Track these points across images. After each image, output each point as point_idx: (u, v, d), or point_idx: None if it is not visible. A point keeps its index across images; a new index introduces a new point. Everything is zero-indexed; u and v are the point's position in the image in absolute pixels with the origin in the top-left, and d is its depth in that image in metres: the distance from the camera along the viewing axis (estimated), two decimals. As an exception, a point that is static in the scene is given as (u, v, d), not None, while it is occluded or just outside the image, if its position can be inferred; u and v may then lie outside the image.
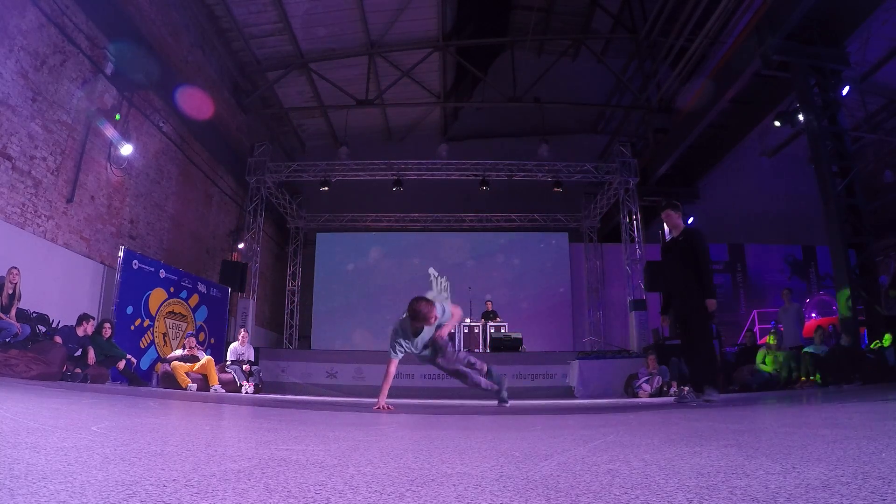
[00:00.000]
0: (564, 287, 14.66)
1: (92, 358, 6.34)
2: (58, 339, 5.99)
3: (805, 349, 7.61)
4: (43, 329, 6.17)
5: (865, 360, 6.72)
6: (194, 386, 7.04)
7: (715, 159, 12.61)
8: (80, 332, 6.41)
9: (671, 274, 4.66)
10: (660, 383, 7.84)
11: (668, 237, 5.09)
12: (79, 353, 6.32)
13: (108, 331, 6.85)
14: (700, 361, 4.50)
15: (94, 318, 6.54)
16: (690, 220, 13.87)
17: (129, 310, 8.10)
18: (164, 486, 0.87)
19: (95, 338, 6.67)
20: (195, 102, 9.83)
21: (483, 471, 1.07)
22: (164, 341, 8.81)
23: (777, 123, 8.99)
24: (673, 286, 4.65)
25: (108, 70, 7.87)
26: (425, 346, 4.28)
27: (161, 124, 9.42)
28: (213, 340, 9.95)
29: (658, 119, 12.59)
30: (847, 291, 7.11)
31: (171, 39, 9.56)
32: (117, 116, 7.95)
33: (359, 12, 11.01)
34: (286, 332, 14.59)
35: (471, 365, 4.51)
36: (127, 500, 0.77)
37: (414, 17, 11.44)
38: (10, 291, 5.75)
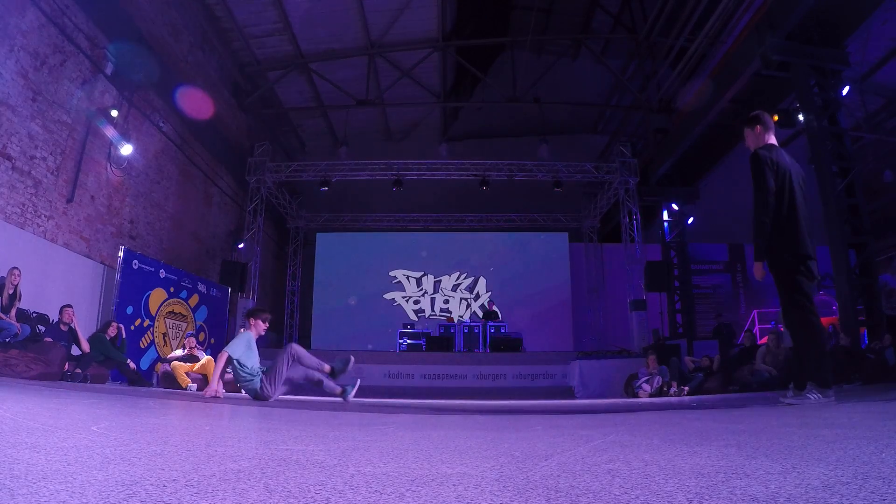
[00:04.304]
0: (564, 287, 14.66)
1: (85, 346, 6.34)
2: (47, 339, 5.99)
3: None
4: (43, 329, 6.17)
5: (865, 360, 6.72)
6: (194, 386, 7.03)
7: (715, 159, 12.61)
8: (62, 326, 6.33)
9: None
10: (660, 383, 7.84)
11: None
12: (77, 352, 6.32)
13: (113, 330, 6.85)
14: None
15: (71, 307, 6.44)
16: (690, 220, 13.90)
17: (129, 310, 8.10)
18: (164, 486, 0.87)
19: (99, 336, 6.66)
20: (195, 102, 9.83)
21: (483, 471, 1.07)
22: (164, 341, 8.81)
23: (775, 119, 8.95)
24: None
25: (108, 70, 7.87)
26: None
27: (161, 124, 9.42)
28: (213, 340, 9.95)
29: (658, 119, 12.59)
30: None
31: (171, 39, 9.55)
32: (114, 112, 7.91)
33: (359, 12, 11.01)
34: (286, 332, 14.59)
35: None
36: (127, 500, 0.77)
37: (414, 17, 11.44)
38: (11, 292, 5.76)
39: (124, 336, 7.13)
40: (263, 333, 4.85)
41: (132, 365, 7.02)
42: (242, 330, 4.91)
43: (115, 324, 6.97)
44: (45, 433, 1.46)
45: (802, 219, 3.11)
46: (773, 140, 3.38)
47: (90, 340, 6.53)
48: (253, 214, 12.44)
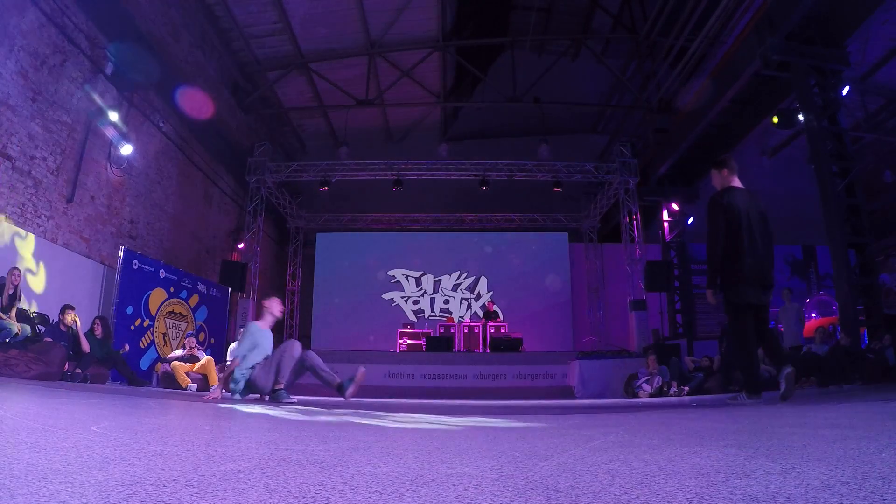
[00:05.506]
0: (564, 287, 14.65)
1: (86, 345, 6.32)
2: (47, 339, 5.98)
3: (805, 349, 7.61)
4: (43, 329, 6.17)
5: (865, 360, 6.72)
6: (194, 386, 7.03)
7: (715, 159, 12.61)
8: (62, 327, 6.31)
9: None
10: (660, 383, 7.84)
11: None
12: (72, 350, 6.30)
13: (98, 329, 6.81)
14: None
15: (72, 308, 6.41)
16: (690, 220, 13.90)
17: (129, 310, 8.10)
18: (164, 486, 0.87)
19: (88, 336, 6.64)
20: (195, 102, 9.83)
21: (483, 471, 1.07)
22: (164, 341, 8.81)
23: (775, 120, 8.94)
24: None
25: (108, 70, 7.87)
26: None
27: (161, 124, 9.42)
28: (213, 340, 9.95)
29: (658, 119, 12.58)
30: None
31: (171, 39, 9.55)
32: (114, 113, 7.92)
33: (359, 12, 11.01)
34: (286, 332, 14.58)
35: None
36: (127, 500, 0.77)
37: (414, 17, 11.44)
38: (11, 292, 5.76)
39: (111, 329, 7.05)
40: (279, 316, 4.60)
41: (125, 346, 6.97)
42: (241, 330, 4.79)
43: (97, 320, 6.85)
44: (45, 433, 1.46)
45: (754, 250, 3.60)
46: (736, 182, 3.94)
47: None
48: (253, 214, 12.44)
